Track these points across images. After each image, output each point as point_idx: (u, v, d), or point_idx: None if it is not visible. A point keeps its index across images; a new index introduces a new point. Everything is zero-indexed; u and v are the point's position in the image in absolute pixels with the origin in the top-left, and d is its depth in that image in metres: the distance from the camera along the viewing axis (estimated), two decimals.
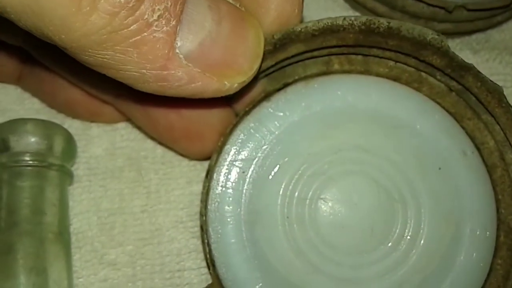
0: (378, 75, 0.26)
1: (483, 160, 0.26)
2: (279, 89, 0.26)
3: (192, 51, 0.19)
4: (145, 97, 0.24)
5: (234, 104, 0.26)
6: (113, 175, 0.28)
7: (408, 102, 0.26)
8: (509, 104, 0.23)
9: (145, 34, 0.18)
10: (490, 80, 0.23)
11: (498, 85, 0.23)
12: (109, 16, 0.17)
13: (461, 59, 0.23)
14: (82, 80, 0.26)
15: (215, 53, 0.20)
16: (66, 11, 0.17)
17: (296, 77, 0.26)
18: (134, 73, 0.19)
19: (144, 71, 0.19)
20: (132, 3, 0.17)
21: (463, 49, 0.35)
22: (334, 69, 0.26)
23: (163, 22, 0.18)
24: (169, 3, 0.18)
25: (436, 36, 0.23)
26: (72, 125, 0.29)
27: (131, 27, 0.18)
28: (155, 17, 0.18)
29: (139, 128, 0.29)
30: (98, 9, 0.17)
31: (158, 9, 0.18)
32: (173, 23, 0.19)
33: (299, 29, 0.24)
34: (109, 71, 0.19)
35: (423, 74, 0.26)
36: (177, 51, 0.19)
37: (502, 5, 0.31)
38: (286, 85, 0.26)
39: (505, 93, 0.34)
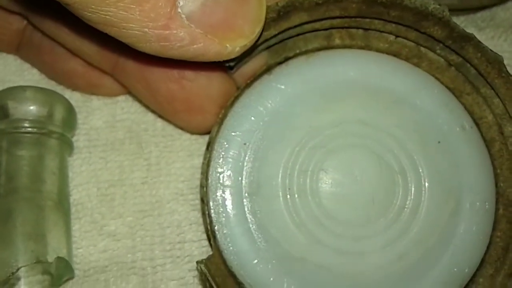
0: (378, 50, 0.26)
1: (482, 135, 0.26)
2: (280, 63, 0.26)
3: (194, 11, 0.19)
4: (146, 64, 0.24)
5: (236, 77, 0.26)
6: (113, 147, 0.28)
7: (408, 77, 0.26)
8: (509, 74, 0.23)
9: None
10: (491, 50, 0.23)
11: (499, 54, 0.23)
12: None
13: (462, 29, 0.23)
14: (82, 46, 0.25)
15: (217, 14, 0.20)
16: None
17: (298, 51, 0.26)
18: (136, 32, 0.19)
19: (146, 29, 0.19)
20: None
21: (467, 27, 0.35)
22: (335, 44, 0.26)
23: None
24: None
25: (438, 6, 0.23)
26: (72, 97, 0.29)
27: None
28: None
29: (139, 101, 0.29)
30: None
31: None
32: None
33: None
34: (111, 29, 0.19)
35: (422, 49, 0.26)
36: (179, 10, 0.19)
37: None
38: (287, 58, 0.26)
39: (506, 63, 0.34)
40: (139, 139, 0.28)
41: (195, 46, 0.20)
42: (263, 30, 0.23)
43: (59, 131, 0.25)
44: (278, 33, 0.25)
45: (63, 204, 0.25)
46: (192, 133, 0.28)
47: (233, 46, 0.21)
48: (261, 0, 0.22)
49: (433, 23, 0.24)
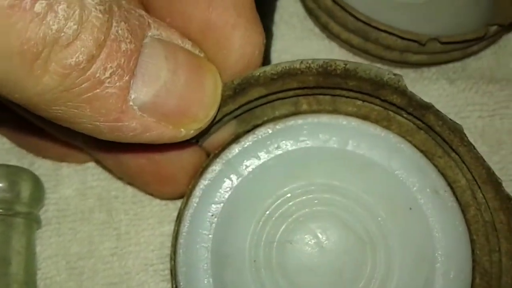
0: (347, 114, 0.26)
1: (456, 199, 0.25)
2: (248, 131, 0.26)
3: (146, 102, 0.20)
4: (112, 143, 0.24)
5: (206, 146, 0.26)
6: (83, 217, 0.28)
7: (378, 141, 0.26)
8: (471, 143, 0.23)
9: (97, 90, 0.18)
10: (450, 119, 0.23)
11: (458, 124, 0.23)
12: (60, 77, 0.17)
13: (420, 98, 0.23)
14: (49, 127, 0.25)
15: (170, 102, 0.20)
16: (19, 75, 0.17)
17: (266, 118, 0.26)
18: (89, 125, 0.19)
19: (98, 123, 0.19)
20: (83, 65, 0.17)
21: (439, 79, 0.35)
22: (303, 110, 0.26)
23: (116, 78, 0.18)
24: (122, 60, 0.18)
25: (393, 76, 0.23)
26: (42, 165, 0.29)
27: (83, 86, 0.18)
28: (107, 74, 0.18)
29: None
30: (49, 71, 0.17)
31: (110, 66, 0.18)
32: (126, 78, 0.19)
33: (258, 73, 0.24)
34: (64, 123, 0.19)
35: (390, 112, 0.26)
36: (131, 103, 0.19)
37: (475, 37, 0.31)
38: (255, 126, 0.26)
39: (480, 123, 0.34)
40: (109, 207, 0.28)
41: (148, 134, 0.20)
42: (221, 106, 0.23)
43: (26, 210, 0.25)
44: (238, 108, 0.25)
45: (29, 285, 0.25)
46: (165, 199, 0.28)
47: (187, 130, 0.21)
48: (217, 84, 0.22)
49: (391, 91, 0.24)
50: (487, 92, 0.35)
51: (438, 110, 0.23)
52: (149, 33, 0.20)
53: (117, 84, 0.18)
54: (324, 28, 0.35)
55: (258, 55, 0.23)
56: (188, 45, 0.22)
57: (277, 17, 0.36)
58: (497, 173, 0.33)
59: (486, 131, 0.34)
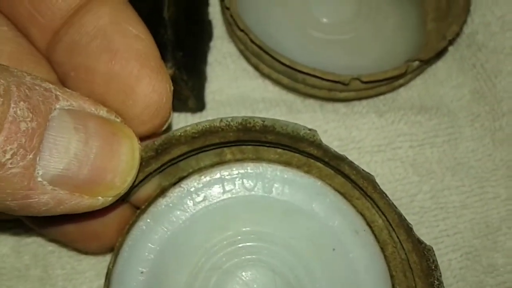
0: (270, 161, 0.27)
1: (376, 237, 0.26)
2: (174, 183, 0.27)
3: (56, 175, 0.19)
4: None
5: (132, 201, 0.27)
6: (19, 274, 0.28)
7: (301, 185, 0.27)
8: (382, 191, 0.24)
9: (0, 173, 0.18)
10: (363, 170, 0.24)
11: (370, 174, 0.24)
12: None
13: (334, 150, 0.24)
14: None
15: (83, 173, 0.20)
16: None
17: (191, 170, 0.27)
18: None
19: (7, 202, 0.19)
20: None
21: (369, 112, 0.36)
22: (227, 159, 0.27)
23: (18, 158, 0.18)
24: (23, 140, 0.18)
25: (308, 131, 0.24)
26: None
27: None
28: (8, 156, 0.18)
29: None
30: None
31: (10, 148, 0.18)
32: (30, 156, 0.19)
33: (179, 133, 0.25)
34: None
35: (310, 159, 0.27)
36: (39, 179, 0.19)
37: (396, 75, 0.33)
38: (181, 179, 0.27)
39: (410, 153, 0.35)
40: (45, 262, 0.29)
41: (62, 206, 0.20)
42: (143, 167, 0.24)
43: None
44: (161, 166, 0.25)
45: None
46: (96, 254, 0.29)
47: (105, 198, 0.21)
48: (133, 148, 0.22)
49: (307, 144, 0.25)
50: (416, 123, 0.36)
51: (352, 162, 0.25)
52: (57, 106, 0.20)
53: (20, 163, 0.18)
54: (256, 68, 0.36)
55: (166, 102, 0.23)
56: (102, 112, 0.22)
57: (211, 58, 0.37)
58: (427, 202, 0.34)
59: (416, 160, 0.35)
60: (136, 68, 0.23)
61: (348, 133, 0.35)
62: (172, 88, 0.24)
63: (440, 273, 0.23)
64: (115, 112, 0.23)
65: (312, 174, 0.27)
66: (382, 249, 0.26)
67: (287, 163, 0.27)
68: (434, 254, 0.23)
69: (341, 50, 0.37)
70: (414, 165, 0.35)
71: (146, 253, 0.26)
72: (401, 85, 0.36)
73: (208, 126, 0.25)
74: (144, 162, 0.24)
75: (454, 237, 0.33)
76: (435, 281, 0.23)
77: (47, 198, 0.20)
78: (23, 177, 0.19)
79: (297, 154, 0.27)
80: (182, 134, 0.25)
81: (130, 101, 0.23)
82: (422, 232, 0.33)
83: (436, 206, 0.34)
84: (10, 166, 0.18)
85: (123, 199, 0.25)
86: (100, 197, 0.21)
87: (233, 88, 0.36)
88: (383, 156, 0.35)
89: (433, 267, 0.23)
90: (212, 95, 0.36)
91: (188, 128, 0.25)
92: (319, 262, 0.27)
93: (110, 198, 0.22)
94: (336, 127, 0.35)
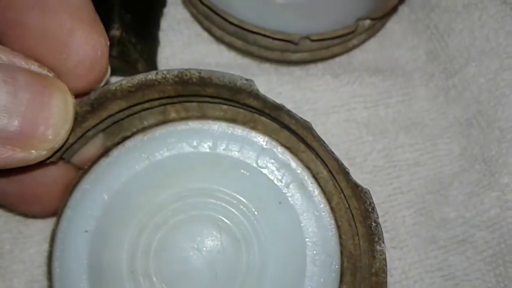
0: (215, 118, 0.27)
1: (322, 189, 0.26)
2: (118, 143, 0.26)
3: None
4: None
5: (75, 161, 0.26)
6: None
7: (246, 141, 0.27)
8: (320, 138, 0.24)
9: None
10: (300, 118, 0.24)
11: (307, 121, 0.24)
12: None
13: (272, 100, 0.24)
14: None
15: (13, 125, 0.20)
16: None
17: (134, 130, 0.27)
18: None
19: None
20: None
21: (324, 74, 0.36)
22: (172, 118, 0.27)
23: None
24: None
25: (245, 81, 0.24)
26: None
27: None
28: None
29: None
30: None
31: None
32: None
33: (114, 87, 0.24)
34: None
35: (255, 114, 0.27)
36: None
37: (346, 33, 0.33)
38: (124, 138, 0.27)
39: (365, 114, 0.36)
40: None
41: None
42: (80, 122, 0.24)
43: None
44: (101, 121, 0.25)
45: None
46: (40, 218, 0.29)
47: (39, 151, 0.21)
48: (66, 101, 0.22)
49: (246, 95, 0.25)
50: (371, 84, 0.36)
51: (289, 110, 0.24)
52: None
53: None
54: (209, 32, 0.35)
55: (101, 56, 0.23)
56: (33, 66, 0.22)
57: (164, 24, 0.37)
58: (381, 160, 0.34)
59: (371, 121, 0.36)
60: (68, 21, 0.22)
61: (303, 95, 0.35)
62: (108, 43, 0.24)
63: (377, 215, 0.23)
64: (48, 67, 0.22)
65: (258, 130, 0.27)
66: (328, 201, 0.27)
67: (232, 120, 0.27)
68: (371, 197, 0.23)
69: (295, 14, 0.36)
70: (368, 125, 0.35)
71: (90, 213, 0.26)
72: (355, 46, 0.36)
73: (143, 79, 0.24)
74: (80, 118, 0.24)
75: (407, 194, 0.33)
76: (373, 223, 0.24)
77: None
78: None
79: (242, 110, 0.27)
80: (117, 88, 0.24)
81: (64, 55, 0.22)
82: (376, 190, 0.33)
83: (389, 164, 0.34)
84: None
85: (62, 157, 0.25)
86: (33, 151, 0.21)
87: (186, 53, 0.36)
88: (338, 117, 0.35)
89: (370, 210, 0.24)
90: (165, 60, 0.36)
91: (123, 82, 0.24)
92: (264, 216, 0.27)
93: (44, 152, 0.22)
94: (291, 89, 0.35)
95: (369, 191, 0.23)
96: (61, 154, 0.25)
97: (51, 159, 0.24)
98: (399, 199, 0.33)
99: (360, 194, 0.24)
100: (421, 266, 0.31)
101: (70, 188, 0.26)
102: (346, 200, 0.26)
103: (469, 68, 0.36)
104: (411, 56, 0.37)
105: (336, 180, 0.26)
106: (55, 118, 0.21)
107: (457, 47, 0.36)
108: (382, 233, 0.24)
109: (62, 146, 0.23)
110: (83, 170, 0.26)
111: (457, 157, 0.34)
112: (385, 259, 0.24)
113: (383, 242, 0.24)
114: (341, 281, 0.26)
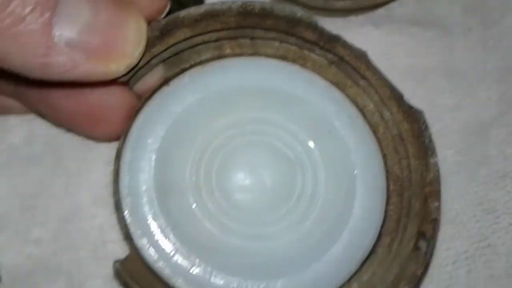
0: (267, 55, 0.29)
1: (367, 121, 0.28)
2: (177, 74, 0.28)
3: (72, 39, 0.21)
4: (43, 86, 0.26)
5: (136, 91, 0.28)
6: (32, 162, 0.29)
7: (297, 77, 0.28)
8: (375, 65, 0.26)
9: (20, 27, 0.20)
10: (355, 47, 0.26)
11: (363, 50, 0.26)
12: None
13: (329, 31, 0.26)
14: None
15: (96, 39, 0.22)
16: None
17: (192, 62, 0.28)
18: (18, 62, 0.21)
19: (27, 59, 0.21)
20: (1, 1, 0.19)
21: (365, 24, 0.37)
22: (226, 53, 0.29)
23: (37, 15, 0.20)
24: None
25: (304, 13, 0.26)
26: None
27: (5, 22, 0.20)
28: (27, 11, 0.20)
29: None
30: None
31: (29, 4, 0.20)
32: (47, 15, 0.21)
33: (182, 15, 0.26)
34: None
35: (305, 51, 0.28)
36: (56, 40, 0.21)
37: None
38: (183, 70, 0.28)
39: (406, 62, 0.37)
40: (58, 152, 0.30)
41: (78, 69, 0.22)
42: (149, 47, 0.26)
43: None
44: (166, 49, 0.27)
45: None
46: (104, 142, 0.30)
47: (118, 66, 0.23)
48: (140, 24, 0.24)
49: (304, 28, 0.26)
50: (411, 34, 0.37)
51: (345, 41, 0.26)
52: None
53: (39, 20, 0.20)
54: None
55: None
56: None
57: None
58: (421, 104, 0.36)
59: (412, 69, 0.37)
60: None
61: None
62: None
63: (430, 133, 0.25)
64: None
65: (307, 67, 0.29)
66: (374, 131, 0.28)
67: (283, 57, 0.29)
68: (424, 116, 0.25)
69: None
70: (409, 73, 0.36)
71: (154, 134, 0.27)
72: None
73: (210, 9, 0.26)
74: (150, 42, 0.26)
75: (448, 136, 0.35)
76: (426, 140, 0.25)
77: (64, 60, 0.21)
78: (42, 33, 0.21)
79: (293, 48, 0.28)
80: (185, 15, 0.26)
81: None
82: None
83: (430, 108, 0.35)
84: (29, 21, 0.20)
85: (133, 73, 0.26)
86: (112, 65, 0.23)
87: None
88: (379, 65, 0.37)
89: (423, 128, 0.25)
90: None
91: (191, 10, 0.26)
92: (316, 144, 0.28)
93: (122, 68, 0.24)
94: None
95: (423, 111, 0.25)
96: (131, 75, 0.26)
97: (124, 78, 0.25)
98: (440, 140, 0.34)
99: (414, 115, 0.26)
100: (463, 201, 0.33)
101: (134, 113, 0.28)
102: (396, 126, 0.27)
103: (506, 19, 0.37)
104: (449, 10, 0.39)
105: (386, 108, 0.27)
106: (132, 37, 0.23)
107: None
108: (435, 147, 0.25)
109: (134, 67, 0.25)
110: (145, 98, 0.28)
111: (496, 102, 0.35)
112: (438, 170, 0.25)
113: (436, 156, 0.25)
114: (387, 202, 0.28)
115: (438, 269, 0.30)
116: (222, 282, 0.26)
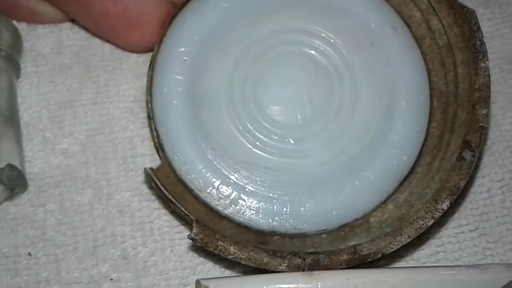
0: None
1: (412, 33, 0.27)
2: None
3: None
4: None
5: None
6: (61, 71, 0.29)
7: None
8: None
9: None
10: None
11: None
12: None
13: None
14: None
15: None
16: None
17: None
18: None
19: None
20: None
21: None
22: None
23: None
24: None
25: None
26: (18, 27, 0.29)
27: None
28: None
29: (85, 27, 0.29)
30: None
31: None
32: None
33: None
34: None
35: None
36: None
37: None
38: None
39: None
40: (87, 64, 0.29)
41: None
42: None
43: (7, 50, 0.26)
44: None
45: (13, 119, 0.26)
46: (136, 52, 0.29)
47: None
48: None
49: None
50: None
51: None
52: None
53: None
54: None
55: None
56: None
57: None
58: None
59: None
60: None
61: None
62: None
63: (482, 34, 0.24)
64: None
65: None
66: (419, 44, 0.27)
67: None
68: (476, 16, 0.24)
69: None
70: None
71: (189, 43, 0.26)
72: None
73: None
74: None
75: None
76: (477, 42, 0.24)
77: None
78: None
79: None
80: None
81: None
82: None
83: None
84: None
85: None
86: None
87: None
88: None
89: (475, 29, 0.24)
90: None
91: None
92: (356, 55, 0.27)
93: None
94: None
95: (475, 11, 0.24)
96: None
97: None
98: None
99: (466, 15, 0.24)
100: (498, 130, 0.32)
101: (169, 20, 0.26)
102: (444, 34, 0.26)
103: None
104: None
105: (434, 13, 0.26)
106: None
107: None
108: (486, 51, 0.24)
109: None
110: (182, 3, 0.27)
111: None
112: (489, 75, 0.24)
113: (487, 59, 0.24)
114: (430, 120, 0.27)
115: (473, 196, 0.29)
116: (251, 197, 0.25)
